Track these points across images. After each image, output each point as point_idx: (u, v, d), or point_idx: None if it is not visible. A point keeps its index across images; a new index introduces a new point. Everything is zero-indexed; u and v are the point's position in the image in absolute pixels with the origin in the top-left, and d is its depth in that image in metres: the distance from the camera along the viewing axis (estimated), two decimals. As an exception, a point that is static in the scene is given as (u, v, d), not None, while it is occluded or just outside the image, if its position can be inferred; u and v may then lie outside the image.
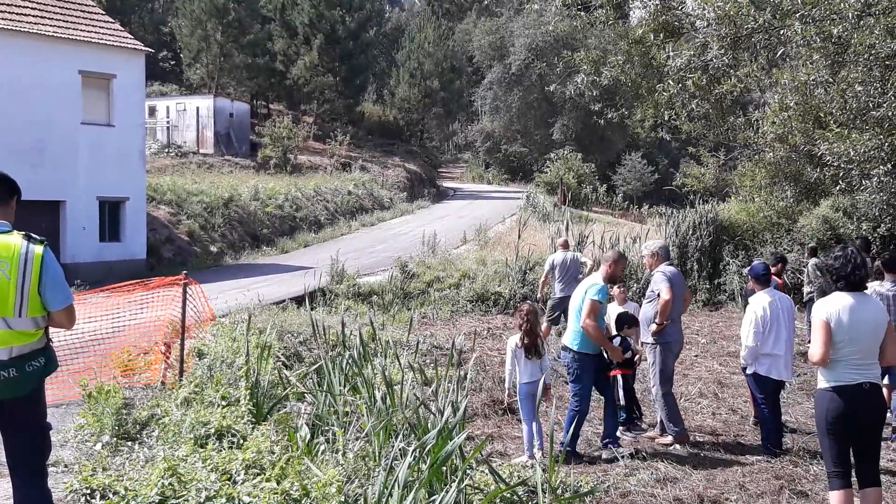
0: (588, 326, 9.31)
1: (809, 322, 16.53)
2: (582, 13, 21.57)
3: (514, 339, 9.78)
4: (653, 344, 10.15)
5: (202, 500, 6.48)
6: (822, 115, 19.50)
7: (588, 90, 22.19)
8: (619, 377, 10.43)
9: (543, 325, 16.35)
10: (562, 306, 16.28)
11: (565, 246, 17.20)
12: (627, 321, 10.82)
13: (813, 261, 17.33)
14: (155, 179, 37.31)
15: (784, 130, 20.68)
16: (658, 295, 10.04)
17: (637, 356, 10.78)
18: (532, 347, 9.57)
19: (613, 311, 11.71)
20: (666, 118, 22.12)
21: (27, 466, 5.46)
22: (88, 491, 6.89)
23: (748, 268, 10.99)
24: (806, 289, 17.40)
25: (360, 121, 72.09)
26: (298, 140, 54.22)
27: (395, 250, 30.90)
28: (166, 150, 48.92)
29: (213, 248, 34.63)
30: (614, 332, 10.72)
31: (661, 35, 19.16)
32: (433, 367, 12.12)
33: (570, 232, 25.55)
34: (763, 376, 9.68)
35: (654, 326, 10.05)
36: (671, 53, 18.72)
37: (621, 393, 10.52)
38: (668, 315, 9.93)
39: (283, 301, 19.74)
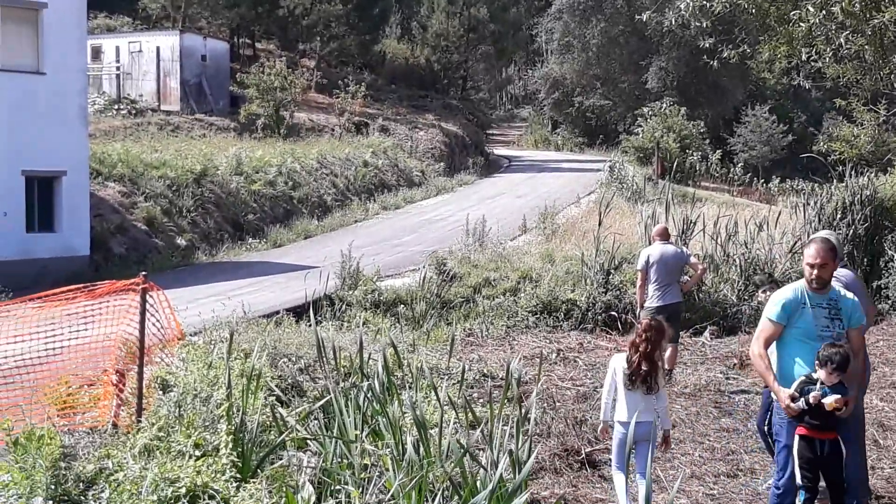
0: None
1: None
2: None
3: (619, 359, 9.69)
4: None
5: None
6: None
7: (695, 20, 21.99)
8: (799, 439, 9.12)
9: (668, 351, 16.25)
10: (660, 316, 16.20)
11: (663, 236, 17.04)
12: (833, 361, 8.94)
13: None
14: (101, 147, 37.57)
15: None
16: None
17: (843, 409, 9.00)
18: (644, 376, 9.46)
19: None
20: (804, 58, 21.92)
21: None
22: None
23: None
24: None
25: (379, 65, 72.35)
26: (296, 92, 54.37)
27: (428, 242, 30.96)
28: (116, 107, 49.27)
29: (181, 241, 34.83)
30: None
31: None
32: (483, 404, 12.13)
33: (671, 216, 25.39)
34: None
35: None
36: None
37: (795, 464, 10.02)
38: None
39: (277, 313, 19.81)
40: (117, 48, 53.79)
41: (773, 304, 9.01)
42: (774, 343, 8.91)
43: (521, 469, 7.95)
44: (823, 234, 11.16)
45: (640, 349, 9.46)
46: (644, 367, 9.42)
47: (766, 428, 10.92)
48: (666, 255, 16.39)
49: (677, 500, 9.59)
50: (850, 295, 8.87)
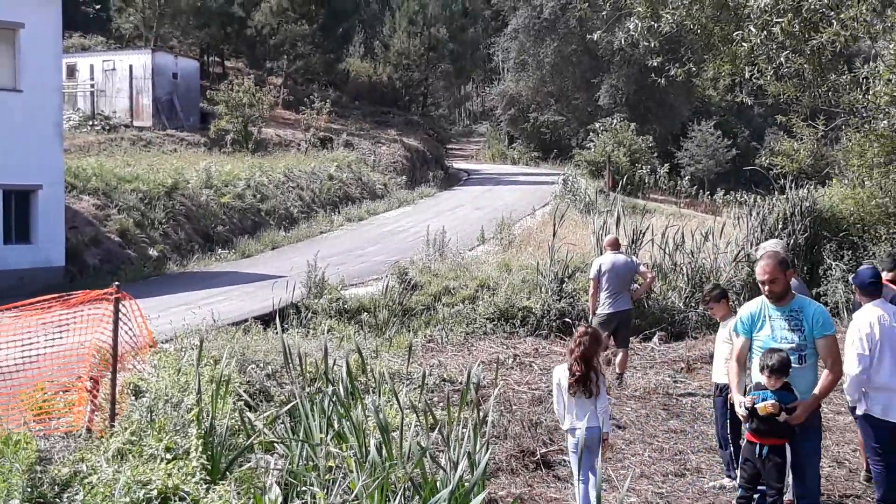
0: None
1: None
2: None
3: (560, 369, 9.68)
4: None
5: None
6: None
7: (644, 39, 22.12)
8: (745, 442, 9.11)
9: (619, 356, 16.39)
10: (611, 324, 16.28)
11: (614, 246, 17.07)
12: (768, 366, 8.67)
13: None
14: (76, 161, 37.42)
15: (903, 90, 20.56)
16: None
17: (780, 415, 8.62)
18: (583, 381, 9.44)
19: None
20: (747, 76, 22.05)
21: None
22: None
23: (853, 275, 10.94)
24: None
25: (343, 82, 72.33)
26: (263, 108, 54.30)
27: (391, 253, 30.96)
28: (90, 123, 49.03)
29: (153, 252, 34.71)
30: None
31: (740, -33, 19.15)
32: (443, 408, 12.14)
33: (622, 227, 25.49)
34: (878, 418, 9.61)
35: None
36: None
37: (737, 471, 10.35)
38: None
39: (246, 321, 19.78)
40: (91, 66, 53.58)
41: (738, 317, 9.13)
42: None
43: (476, 468, 7.96)
44: (770, 245, 11.23)
45: (576, 355, 9.46)
46: (581, 372, 9.40)
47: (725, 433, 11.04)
48: (617, 265, 16.44)
49: (627, 498, 9.62)
50: (815, 305, 8.75)
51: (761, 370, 8.49)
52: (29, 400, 11.41)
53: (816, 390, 8.50)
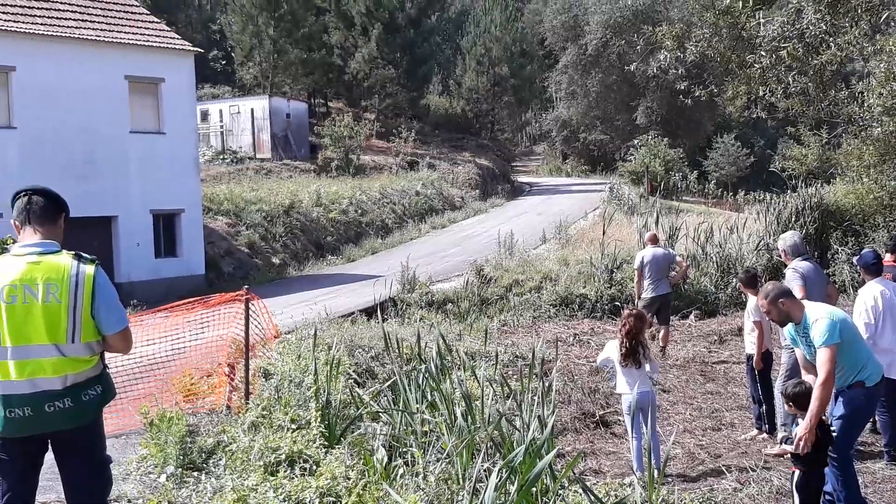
0: None
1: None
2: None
3: (611, 345, 9.64)
4: (790, 349, 9.96)
5: (275, 533, 6.50)
6: (935, 82, 18.99)
7: (672, 67, 21.94)
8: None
9: (662, 331, 16.28)
10: (653, 306, 16.17)
11: (654, 241, 16.98)
12: (786, 395, 7.78)
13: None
14: (210, 188, 37.84)
15: (893, 102, 20.19)
16: None
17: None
18: (632, 355, 9.37)
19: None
20: (760, 94, 21.78)
21: (88, 503, 5.53)
22: (155, 526, 6.96)
23: (857, 256, 10.74)
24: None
25: (425, 115, 72.37)
26: (360, 139, 54.52)
27: (469, 253, 30.91)
28: (221, 157, 49.56)
29: (276, 260, 35.00)
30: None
31: (751, 2, 18.87)
32: (516, 380, 12.08)
33: (660, 225, 25.26)
34: (883, 377, 9.41)
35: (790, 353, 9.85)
36: (762, 21, 18.42)
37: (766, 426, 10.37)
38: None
39: (352, 313, 19.85)
40: (220, 111, 54.16)
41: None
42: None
43: (548, 429, 7.89)
44: (788, 235, 11.03)
45: (624, 333, 9.41)
46: (629, 347, 9.35)
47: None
48: (657, 256, 16.36)
49: (674, 449, 9.51)
50: (815, 317, 7.57)
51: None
52: (179, 384, 11.53)
53: (809, 411, 7.19)
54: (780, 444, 7.70)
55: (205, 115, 52.34)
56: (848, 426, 7.51)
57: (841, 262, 22.15)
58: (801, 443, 7.16)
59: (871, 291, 9.55)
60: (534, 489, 7.04)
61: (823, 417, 7.37)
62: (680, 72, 22.85)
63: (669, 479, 8.97)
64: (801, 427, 7.24)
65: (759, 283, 11.06)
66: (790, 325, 7.86)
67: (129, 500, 8.10)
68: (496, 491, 6.47)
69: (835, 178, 27.22)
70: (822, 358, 7.30)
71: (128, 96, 30.12)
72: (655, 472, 7.69)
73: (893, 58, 19.33)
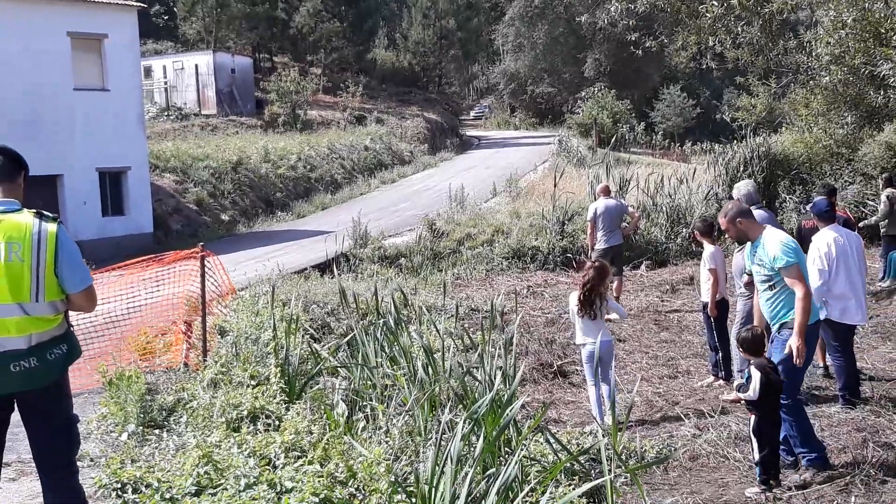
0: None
1: (883, 258, 16.43)
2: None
3: (573, 296, 9.65)
4: (746, 296, 10.07)
5: (242, 488, 6.48)
6: (882, 30, 19.11)
7: (622, 19, 21.95)
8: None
9: (615, 282, 16.32)
10: (606, 257, 16.24)
11: (606, 192, 16.99)
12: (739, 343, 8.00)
13: (888, 191, 16.91)
14: (156, 146, 37.46)
15: (841, 50, 20.31)
16: None
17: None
18: (588, 306, 9.40)
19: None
20: (710, 44, 21.86)
21: (55, 462, 5.47)
22: (119, 485, 6.89)
23: (810, 205, 10.85)
24: (879, 221, 17.02)
25: (372, 69, 71.97)
26: (307, 94, 54.23)
27: (420, 208, 30.90)
28: (166, 114, 49.04)
29: (225, 217, 34.77)
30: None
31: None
32: (474, 332, 12.13)
33: (611, 177, 25.37)
34: (835, 322, 9.56)
35: (745, 278, 9.93)
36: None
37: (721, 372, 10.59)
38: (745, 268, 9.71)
39: (305, 269, 19.80)
40: (164, 67, 53.47)
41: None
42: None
43: (511, 382, 7.93)
44: (742, 185, 11.16)
45: (583, 284, 9.42)
46: (585, 297, 9.37)
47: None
48: (609, 207, 16.37)
49: (633, 398, 9.61)
50: (769, 237, 7.84)
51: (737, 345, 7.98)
52: (135, 342, 11.46)
53: (795, 323, 7.50)
54: (736, 390, 7.80)
55: (148, 72, 51.60)
56: (787, 369, 7.62)
57: (789, 210, 22.38)
58: (795, 353, 7.45)
59: (825, 238, 9.63)
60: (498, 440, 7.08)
61: (773, 364, 7.52)
62: (630, 23, 22.85)
63: (630, 426, 9.07)
64: (792, 339, 7.50)
65: (715, 231, 11.17)
66: (746, 246, 8.15)
67: (92, 459, 8.06)
68: (462, 441, 6.50)
69: (782, 128, 27.44)
70: (791, 277, 7.60)
71: (70, 53, 29.61)
72: (616, 419, 7.77)
73: (840, 6, 19.44)
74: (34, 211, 5.35)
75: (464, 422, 6.72)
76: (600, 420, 9.12)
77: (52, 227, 5.30)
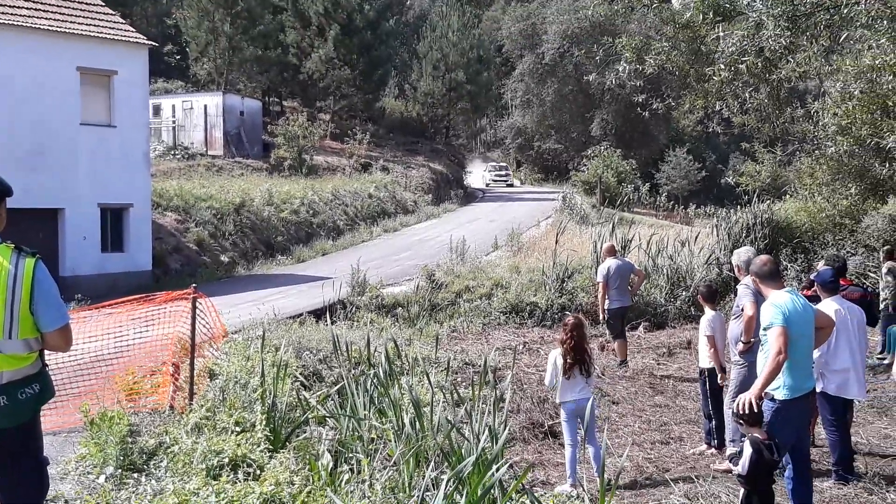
0: None
1: (884, 333, 16.28)
2: (621, -4, 21.42)
3: (555, 353, 9.52)
4: (741, 364, 9.93)
5: (215, 540, 6.34)
6: (889, 103, 19.16)
7: (630, 80, 22.00)
8: None
9: (616, 344, 16.37)
10: (619, 316, 16.32)
11: (612, 252, 17.05)
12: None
13: (889, 265, 16.84)
14: (160, 184, 37.43)
15: (847, 121, 20.35)
16: (742, 310, 9.83)
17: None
18: (577, 365, 9.29)
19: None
20: (717, 108, 21.90)
21: (23, 504, 5.33)
22: (91, 529, 6.77)
23: (815, 274, 10.77)
24: (882, 294, 16.93)
25: (380, 118, 72.25)
26: (314, 139, 54.30)
27: (420, 258, 30.79)
28: (172, 152, 49.08)
29: (224, 258, 34.65)
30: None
31: (711, 14, 18.91)
32: (466, 387, 11.98)
33: (615, 236, 25.33)
34: (832, 395, 9.42)
35: (741, 346, 9.82)
36: (722, 35, 18.47)
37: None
38: (754, 332, 9.58)
39: (301, 315, 19.63)
40: (173, 106, 53.64)
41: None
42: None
43: (497, 440, 7.79)
44: (742, 251, 11.03)
45: (567, 344, 9.31)
46: (570, 357, 9.26)
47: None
48: (620, 267, 16.54)
49: (623, 462, 9.44)
50: (770, 301, 7.80)
51: None
52: (121, 382, 11.32)
53: (757, 379, 7.55)
54: (728, 460, 7.68)
55: (157, 110, 51.76)
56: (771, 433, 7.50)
57: (790, 278, 22.31)
58: (742, 405, 7.34)
59: (827, 309, 9.51)
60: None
61: (768, 442, 7.35)
62: (638, 84, 22.90)
63: (618, 492, 8.90)
64: (748, 392, 7.43)
65: (717, 297, 11.07)
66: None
67: (67, 501, 7.91)
68: (444, 500, 6.35)
69: (786, 196, 27.46)
70: (771, 337, 7.51)
71: (79, 88, 29.66)
72: (602, 483, 7.60)
73: (849, 77, 19.49)
74: (13, 245, 5.21)
75: (448, 480, 6.59)
76: (572, 480, 9.00)
77: (29, 263, 5.16)
